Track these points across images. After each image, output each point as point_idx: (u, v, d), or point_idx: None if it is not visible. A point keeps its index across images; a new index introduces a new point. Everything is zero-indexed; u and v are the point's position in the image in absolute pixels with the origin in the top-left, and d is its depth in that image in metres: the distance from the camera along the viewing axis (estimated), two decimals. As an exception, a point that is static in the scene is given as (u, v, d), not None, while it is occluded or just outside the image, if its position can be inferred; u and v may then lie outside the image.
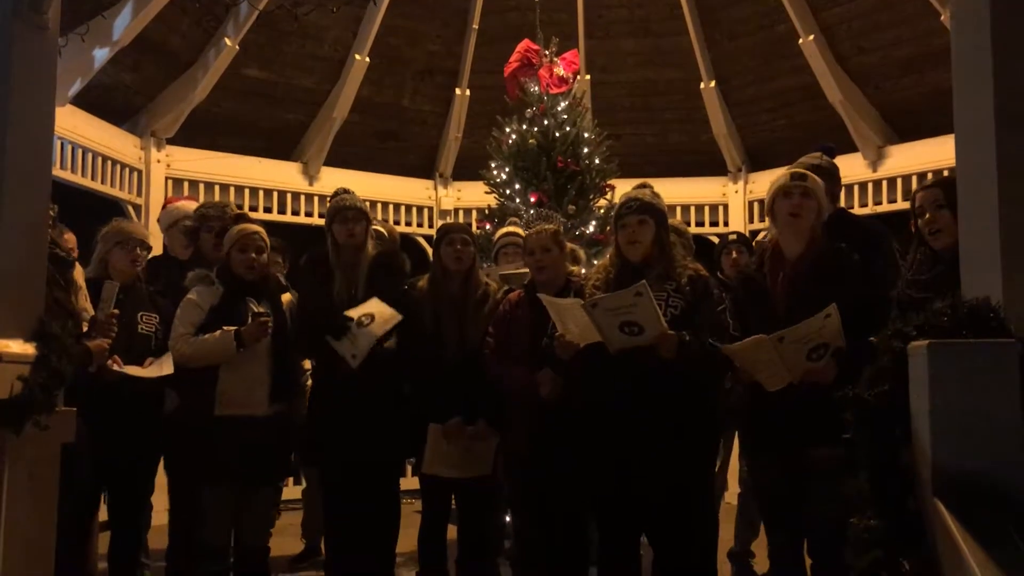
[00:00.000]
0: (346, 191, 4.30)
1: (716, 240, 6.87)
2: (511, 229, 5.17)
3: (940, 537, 1.94)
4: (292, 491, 5.95)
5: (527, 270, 4.13)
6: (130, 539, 4.24)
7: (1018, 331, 2.18)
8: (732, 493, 5.76)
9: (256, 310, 3.97)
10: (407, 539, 4.36)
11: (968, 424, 1.98)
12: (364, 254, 4.19)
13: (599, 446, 3.57)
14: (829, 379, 3.15)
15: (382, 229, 4.80)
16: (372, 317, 4.00)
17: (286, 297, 4.26)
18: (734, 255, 5.12)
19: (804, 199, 3.42)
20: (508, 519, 4.53)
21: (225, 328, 3.89)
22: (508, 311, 3.98)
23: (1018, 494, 1.95)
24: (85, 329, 3.69)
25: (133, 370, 3.96)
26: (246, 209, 7.11)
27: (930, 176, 6.40)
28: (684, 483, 3.51)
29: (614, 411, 3.50)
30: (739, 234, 5.74)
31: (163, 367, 4.00)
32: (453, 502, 4.20)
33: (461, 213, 8.41)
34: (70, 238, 4.48)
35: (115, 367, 3.89)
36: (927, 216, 3.26)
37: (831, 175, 4.13)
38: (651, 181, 4.02)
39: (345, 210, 4.16)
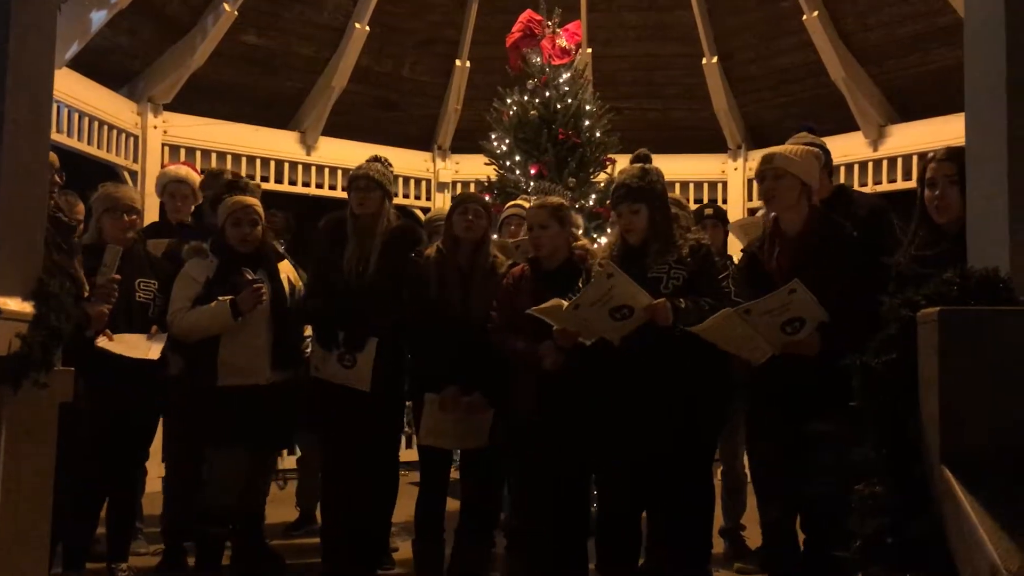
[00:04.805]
0: (377, 159, 4.30)
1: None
2: (518, 202, 5.15)
3: (947, 504, 1.94)
4: (287, 460, 5.94)
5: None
6: (127, 503, 4.22)
7: (1027, 300, 2.17)
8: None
9: (250, 278, 3.96)
10: (403, 509, 4.37)
11: (977, 391, 1.98)
12: (380, 225, 4.15)
13: (601, 418, 3.57)
14: (813, 352, 3.21)
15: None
16: (354, 362, 3.99)
17: (284, 265, 4.24)
18: (708, 231, 5.04)
19: (776, 181, 3.46)
20: (505, 491, 4.53)
21: (220, 298, 3.90)
22: (512, 284, 3.94)
23: (1026, 462, 1.94)
24: (86, 295, 3.66)
25: (117, 347, 3.85)
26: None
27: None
28: (685, 457, 3.53)
29: (617, 384, 3.51)
30: (715, 208, 5.64)
31: (149, 351, 3.92)
32: (454, 473, 4.20)
33: (459, 186, 8.34)
34: (80, 209, 4.46)
35: (104, 340, 3.80)
36: (937, 191, 3.15)
37: (824, 150, 4.13)
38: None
39: (358, 179, 4.16)
